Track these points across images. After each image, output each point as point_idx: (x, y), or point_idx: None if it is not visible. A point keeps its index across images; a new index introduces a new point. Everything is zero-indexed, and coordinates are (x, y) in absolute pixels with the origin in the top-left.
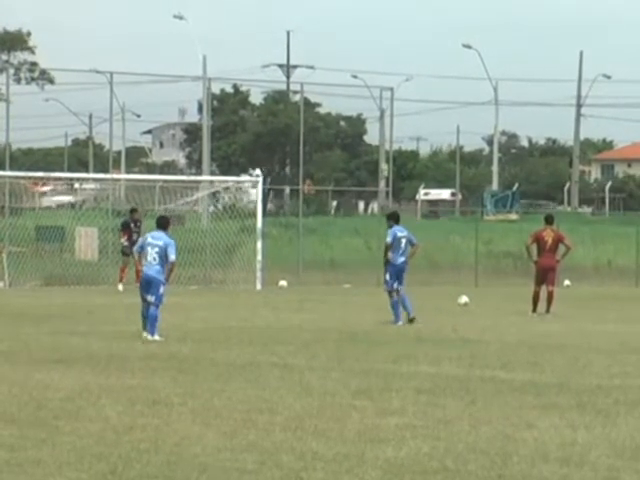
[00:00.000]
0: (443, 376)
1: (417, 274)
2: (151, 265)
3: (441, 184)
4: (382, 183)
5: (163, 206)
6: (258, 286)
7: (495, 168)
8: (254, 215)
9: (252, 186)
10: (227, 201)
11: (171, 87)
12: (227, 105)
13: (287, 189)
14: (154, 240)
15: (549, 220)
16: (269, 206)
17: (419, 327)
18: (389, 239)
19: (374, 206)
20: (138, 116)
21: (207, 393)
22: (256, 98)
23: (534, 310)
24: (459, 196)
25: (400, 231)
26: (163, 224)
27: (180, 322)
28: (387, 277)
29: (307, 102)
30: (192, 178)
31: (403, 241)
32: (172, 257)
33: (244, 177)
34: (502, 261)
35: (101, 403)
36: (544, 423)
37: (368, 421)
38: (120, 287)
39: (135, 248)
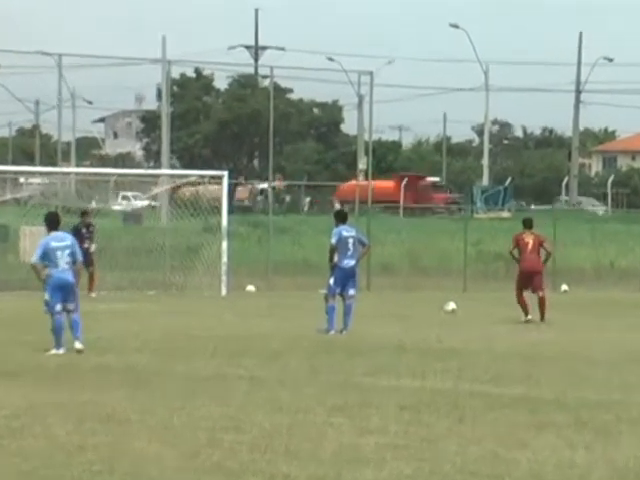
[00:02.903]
0: (428, 390)
1: (400, 278)
2: (66, 270)
3: None
4: (360, 177)
5: (118, 202)
6: (223, 291)
7: (486, 161)
8: (219, 212)
9: (216, 181)
10: (189, 197)
11: (127, 71)
12: (189, 91)
13: (256, 184)
14: (61, 242)
15: (527, 224)
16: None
17: (401, 336)
18: (333, 240)
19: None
20: (90, 103)
21: (167, 409)
22: (221, 83)
23: (527, 313)
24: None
25: (347, 231)
26: (57, 222)
27: (137, 331)
28: (331, 281)
29: (277, 87)
30: (150, 172)
31: (350, 241)
32: (80, 258)
33: (208, 171)
34: (492, 264)
35: (49, 421)
36: (539, 442)
37: (345, 440)
38: (93, 294)
39: (34, 259)
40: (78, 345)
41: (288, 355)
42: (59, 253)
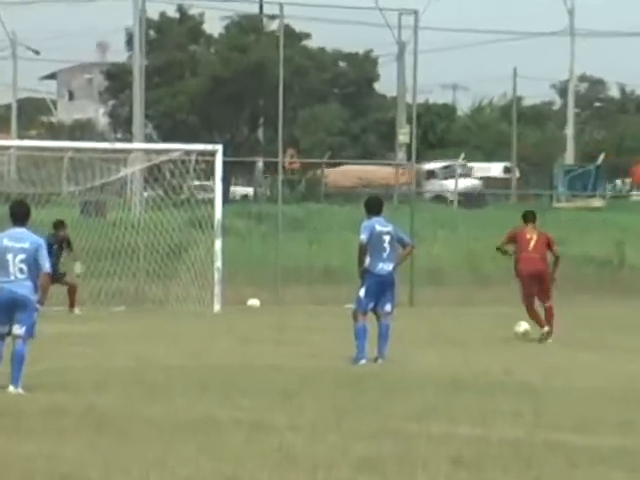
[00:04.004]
0: (492, 441)
1: (453, 289)
2: (16, 280)
3: (489, 155)
4: (400, 153)
5: (74, 188)
6: (216, 306)
7: (570, 130)
8: (210, 202)
9: (206, 158)
10: (170, 180)
11: (86, 10)
12: (170, 37)
13: (260, 162)
14: (15, 242)
15: (528, 218)
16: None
17: (455, 367)
18: (364, 236)
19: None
20: (36, 53)
21: (140, 464)
22: (213, 26)
23: (543, 325)
24: (516, 173)
25: (381, 225)
26: (22, 215)
27: (99, 360)
28: (361, 293)
29: (290, 32)
30: (118, 146)
31: (386, 239)
32: (46, 265)
33: (196, 145)
34: (579, 270)
35: None
36: None
37: None
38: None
39: None
40: (12, 389)
41: (303, 392)
42: (10, 257)
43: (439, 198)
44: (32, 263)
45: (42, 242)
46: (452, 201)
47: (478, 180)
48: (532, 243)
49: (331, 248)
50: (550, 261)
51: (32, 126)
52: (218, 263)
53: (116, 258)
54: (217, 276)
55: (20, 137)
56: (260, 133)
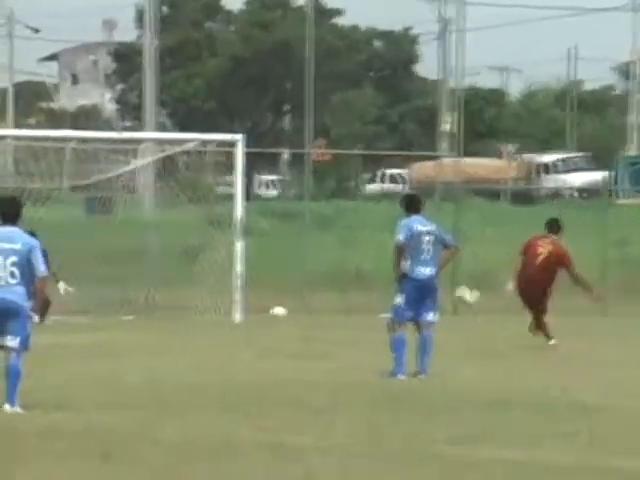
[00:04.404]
0: (542, 466)
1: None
2: (10, 286)
3: (544, 145)
4: (444, 143)
5: (77, 182)
6: (237, 316)
7: (634, 118)
8: (230, 198)
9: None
10: (185, 174)
11: None
12: (184, 13)
13: (285, 154)
14: (6, 244)
15: (552, 227)
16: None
17: (504, 383)
18: (401, 236)
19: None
20: (36, 31)
21: None
22: (233, 1)
23: (549, 337)
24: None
25: (421, 224)
26: (12, 212)
27: (104, 375)
28: (398, 301)
29: (320, 8)
30: (127, 136)
31: (426, 240)
32: (42, 268)
33: (214, 135)
34: None
35: None
36: None
37: None
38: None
39: None
40: (8, 408)
41: (333, 411)
42: (1, 260)
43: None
44: (25, 266)
45: (36, 243)
46: (572, 196)
47: (601, 173)
48: (540, 259)
49: (365, 250)
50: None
51: (31, 113)
52: (239, 267)
53: (124, 261)
54: (238, 281)
55: (17, 126)
56: (286, 121)
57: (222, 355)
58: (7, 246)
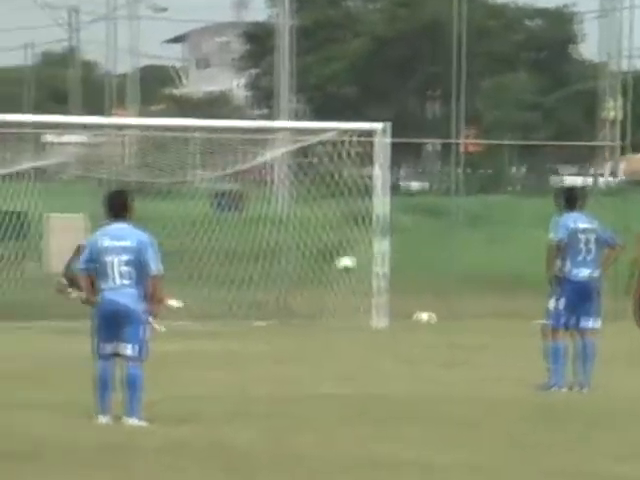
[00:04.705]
0: None
1: None
2: (121, 288)
3: None
4: (605, 132)
5: (204, 175)
6: (378, 321)
7: None
8: (371, 192)
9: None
10: (323, 166)
11: None
12: None
13: (432, 144)
14: (117, 241)
15: None
16: (402, 175)
17: None
18: (557, 235)
19: (598, 177)
20: (162, 10)
21: None
22: None
23: None
24: None
25: (581, 221)
26: (121, 206)
27: (233, 386)
28: (553, 304)
29: None
30: (259, 125)
31: (586, 239)
32: (156, 267)
33: (354, 123)
34: None
35: None
36: None
37: None
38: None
39: (79, 266)
40: (130, 420)
41: (482, 426)
42: (111, 259)
43: None
44: (138, 266)
45: (150, 239)
46: None
47: None
48: None
49: (518, 249)
50: None
51: (154, 100)
52: (380, 267)
53: (255, 262)
54: (379, 284)
55: (140, 114)
56: (433, 108)
57: (361, 364)
58: (118, 244)
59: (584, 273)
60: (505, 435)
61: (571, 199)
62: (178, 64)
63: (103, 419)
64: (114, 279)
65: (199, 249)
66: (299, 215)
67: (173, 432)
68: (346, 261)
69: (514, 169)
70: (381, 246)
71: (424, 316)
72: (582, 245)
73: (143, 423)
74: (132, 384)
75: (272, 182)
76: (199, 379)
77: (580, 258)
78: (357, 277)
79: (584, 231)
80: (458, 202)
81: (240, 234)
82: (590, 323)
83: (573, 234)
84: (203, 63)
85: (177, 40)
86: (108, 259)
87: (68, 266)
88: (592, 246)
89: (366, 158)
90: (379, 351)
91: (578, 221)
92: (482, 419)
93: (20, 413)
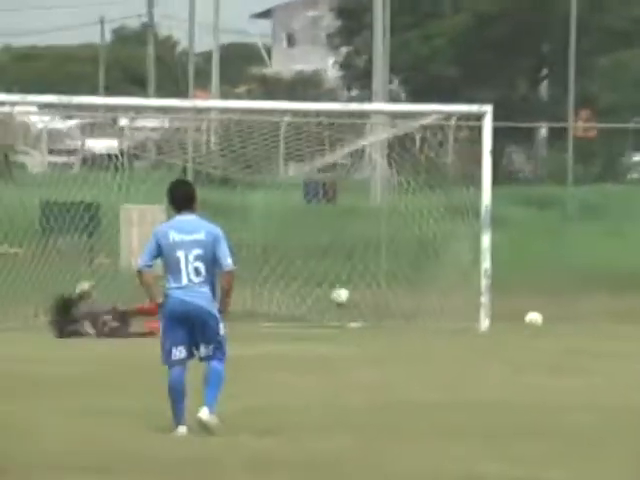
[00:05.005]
0: None
1: None
2: (193, 286)
3: None
4: None
5: (293, 163)
6: (484, 323)
7: None
8: (474, 181)
9: (469, 124)
10: (423, 153)
11: None
12: None
13: (543, 128)
14: (187, 235)
15: None
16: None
17: None
18: None
19: None
20: None
21: None
22: None
23: None
24: None
25: None
26: (186, 197)
27: (324, 394)
28: None
29: None
30: (353, 108)
31: None
32: (228, 262)
33: (456, 106)
34: None
35: None
36: None
37: None
38: None
39: (142, 263)
40: (204, 415)
41: (597, 441)
42: (181, 254)
43: None
44: (209, 261)
45: (220, 231)
46: None
47: None
48: None
49: (638, 244)
50: None
51: (239, 81)
52: (486, 264)
53: (349, 257)
54: (485, 282)
55: (223, 96)
56: (543, 89)
57: (465, 370)
58: (190, 237)
59: None
60: (624, 449)
61: None
62: (265, 41)
63: (182, 429)
64: (184, 276)
65: (287, 244)
66: (396, 206)
67: (261, 445)
68: (343, 295)
69: (634, 156)
70: (484, 240)
71: (535, 317)
72: None
73: (216, 420)
74: (215, 378)
75: (367, 170)
76: (284, 386)
77: None
78: (460, 273)
79: None
80: (572, 192)
81: (333, 227)
82: None
83: None
84: (292, 40)
85: (264, 15)
86: (179, 254)
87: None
88: None
89: (471, 144)
90: (484, 356)
91: None
92: (598, 431)
93: (99, 421)
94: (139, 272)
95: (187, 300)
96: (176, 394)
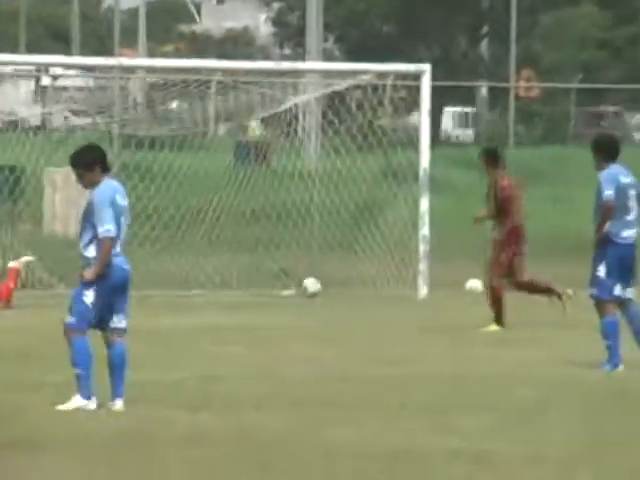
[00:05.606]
0: None
1: None
2: (122, 254)
3: None
4: None
5: (223, 124)
6: (422, 290)
7: None
8: (413, 144)
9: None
10: (358, 114)
11: None
12: None
13: (484, 88)
14: (124, 200)
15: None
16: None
17: None
18: (609, 190)
19: None
20: None
21: None
22: None
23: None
24: None
25: (623, 175)
26: (103, 160)
27: (259, 366)
28: (601, 271)
29: None
30: (286, 66)
31: (631, 195)
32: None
33: (393, 65)
34: None
35: None
36: None
37: None
38: None
39: (111, 230)
40: (117, 405)
41: (542, 412)
42: (123, 220)
43: None
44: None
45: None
46: None
47: None
48: None
49: (586, 209)
50: None
51: (167, 39)
52: (425, 230)
53: (282, 222)
54: (423, 248)
55: (151, 54)
56: (483, 47)
57: (404, 340)
58: (125, 203)
59: (629, 234)
60: (567, 422)
61: (612, 148)
62: None
63: (87, 402)
64: (120, 244)
65: (217, 208)
66: (331, 170)
67: (197, 419)
68: (314, 286)
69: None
70: (423, 204)
71: (476, 284)
72: (629, 203)
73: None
74: (119, 363)
75: (300, 132)
76: (218, 357)
77: (626, 218)
78: (398, 239)
79: (628, 186)
80: (515, 154)
81: (264, 191)
82: (628, 292)
83: (620, 190)
84: None
85: None
86: (122, 221)
87: None
88: (635, 204)
89: (408, 105)
90: (423, 325)
91: (621, 175)
92: (541, 403)
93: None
94: (107, 241)
95: (124, 269)
96: (80, 362)
